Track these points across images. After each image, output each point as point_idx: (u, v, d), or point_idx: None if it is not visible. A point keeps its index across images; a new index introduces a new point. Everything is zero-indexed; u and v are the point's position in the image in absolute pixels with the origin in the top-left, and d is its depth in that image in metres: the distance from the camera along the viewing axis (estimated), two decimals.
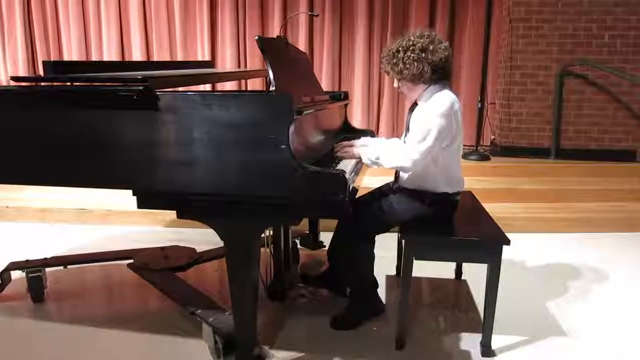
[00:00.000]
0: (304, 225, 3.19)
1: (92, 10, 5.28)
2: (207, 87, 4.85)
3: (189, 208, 1.76)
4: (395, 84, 2.16)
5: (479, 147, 4.79)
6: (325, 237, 3.05)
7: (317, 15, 4.41)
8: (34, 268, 2.46)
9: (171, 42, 5.36)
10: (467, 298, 2.59)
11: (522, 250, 3.22)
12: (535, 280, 2.87)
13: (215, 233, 1.78)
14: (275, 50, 2.09)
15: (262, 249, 1.91)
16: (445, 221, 2.15)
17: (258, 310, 1.88)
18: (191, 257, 2.67)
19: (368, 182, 2.88)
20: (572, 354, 2.08)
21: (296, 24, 5.23)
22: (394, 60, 2.05)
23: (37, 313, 2.39)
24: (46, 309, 2.44)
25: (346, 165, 2.07)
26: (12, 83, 2.06)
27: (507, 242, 1.95)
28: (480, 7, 4.91)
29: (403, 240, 2.04)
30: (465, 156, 4.56)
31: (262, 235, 1.92)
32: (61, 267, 2.65)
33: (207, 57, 5.23)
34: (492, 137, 5.12)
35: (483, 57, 4.68)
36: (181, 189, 1.71)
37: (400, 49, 2.03)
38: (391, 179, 2.37)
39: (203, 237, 2.87)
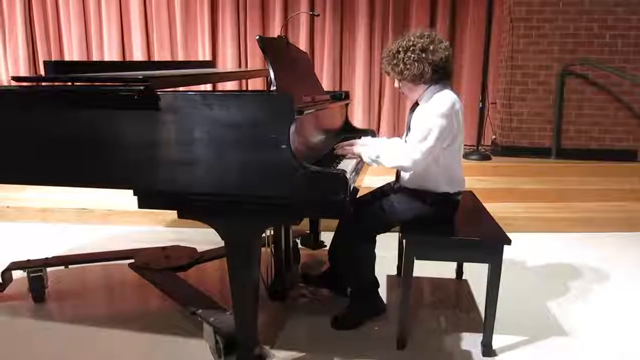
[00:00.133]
0: (305, 225, 3.19)
1: (93, 9, 5.29)
2: (208, 87, 4.85)
3: (190, 208, 1.76)
4: (396, 85, 2.16)
5: (479, 147, 4.79)
6: (326, 237, 3.05)
7: (317, 15, 4.42)
8: (35, 268, 2.47)
9: (172, 41, 5.37)
10: (468, 298, 2.59)
11: (523, 250, 3.22)
12: (536, 280, 2.87)
13: (216, 233, 1.78)
14: (276, 50, 2.09)
15: (263, 249, 1.91)
16: (446, 221, 2.15)
17: (259, 310, 1.88)
18: (192, 257, 2.67)
19: (369, 182, 2.88)
20: (573, 354, 2.08)
21: (297, 23, 5.23)
22: (395, 61, 2.05)
23: (38, 313, 2.39)
24: (47, 308, 2.44)
25: (347, 165, 2.07)
26: (13, 83, 2.06)
27: (508, 241, 1.95)
28: (481, 7, 4.90)
29: (404, 240, 2.04)
30: (466, 156, 4.56)
31: (263, 235, 1.92)
32: (62, 267, 2.66)
33: (208, 57, 5.24)
34: (493, 136, 5.12)
35: (484, 56, 4.69)
36: (182, 188, 1.71)
37: (400, 49, 2.03)
38: (392, 178, 2.37)
39: (204, 237, 2.87)
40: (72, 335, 2.18)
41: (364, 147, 2.20)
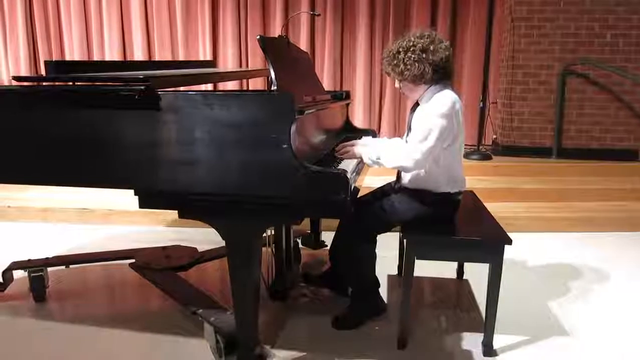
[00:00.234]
0: (306, 224, 3.19)
1: (93, 9, 5.30)
2: (209, 86, 4.85)
3: (191, 208, 1.76)
4: (397, 85, 2.16)
5: (480, 147, 4.79)
6: (327, 237, 3.04)
7: (318, 15, 4.42)
8: (35, 268, 2.47)
9: (173, 41, 5.37)
10: (469, 298, 2.59)
11: (523, 249, 3.22)
12: (537, 279, 2.86)
13: (217, 233, 1.78)
14: (277, 49, 2.09)
15: (264, 249, 1.91)
16: (447, 221, 2.15)
17: (259, 310, 1.88)
18: (192, 257, 2.67)
19: (370, 182, 2.88)
20: (573, 354, 2.08)
21: (297, 23, 5.23)
22: (395, 62, 2.04)
23: (38, 312, 2.39)
24: (48, 308, 2.45)
25: (348, 165, 2.06)
26: (14, 82, 2.06)
27: (509, 241, 1.95)
28: (482, 6, 4.90)
29: (405, 240, 2.04)
30: (467, 155, 4.56)
31: (264, 234, 1.92)
32: (63, 267, 2.66)
33: (208, 57, 5.24)
34: (494, 136, 5.12)
35: (485, 56, 4.68)
36: (183, 188, 1.71)
37: (400, 49, 2.03)
38: (393, 178, 2.36)
39: (204, 237, 2.88)
40: (72, 335, 2.18)
41: (364, 147, 2.19)
